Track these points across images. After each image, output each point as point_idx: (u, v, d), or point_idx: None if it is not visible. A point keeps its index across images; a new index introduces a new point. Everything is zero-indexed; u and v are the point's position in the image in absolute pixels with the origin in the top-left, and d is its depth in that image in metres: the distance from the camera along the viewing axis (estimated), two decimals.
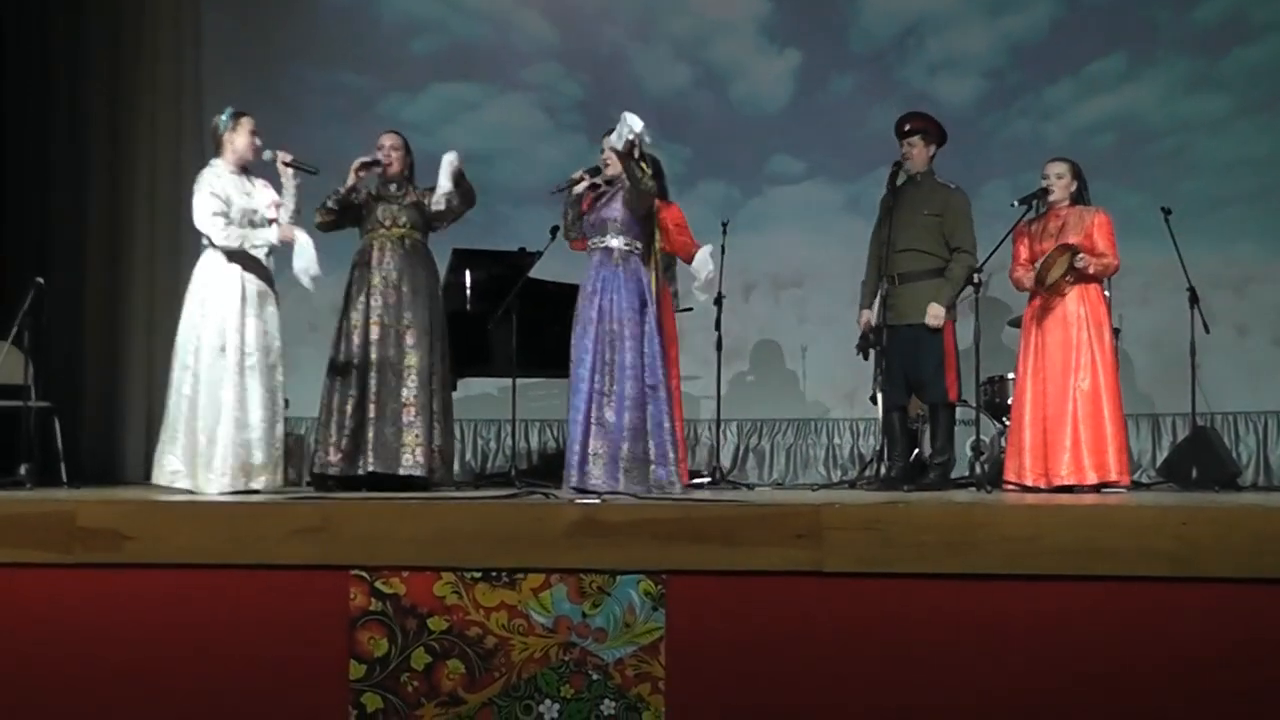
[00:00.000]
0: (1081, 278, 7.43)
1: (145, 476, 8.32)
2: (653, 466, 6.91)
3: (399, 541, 5.01)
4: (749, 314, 10.69)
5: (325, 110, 11.23)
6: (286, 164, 7.07)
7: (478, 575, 4.95)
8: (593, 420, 6.91)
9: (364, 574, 5.00)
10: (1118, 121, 10.76)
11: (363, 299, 7.50)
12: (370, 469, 7.34)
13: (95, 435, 10.46)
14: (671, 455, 6.97)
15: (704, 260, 7.67)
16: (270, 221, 7.04)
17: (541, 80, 11.65)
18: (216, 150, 7.15)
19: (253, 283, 6.97)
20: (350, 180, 7.50)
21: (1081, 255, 7.34)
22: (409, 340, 7.46)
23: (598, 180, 7.30)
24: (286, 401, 8.94)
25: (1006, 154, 10.65)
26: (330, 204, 7.52)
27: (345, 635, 4.99)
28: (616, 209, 7.17)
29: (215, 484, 6.75)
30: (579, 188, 7.29)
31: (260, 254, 7.05)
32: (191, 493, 6.73)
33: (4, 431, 9.00)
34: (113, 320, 10.61)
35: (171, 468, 6.85)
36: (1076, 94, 10.90)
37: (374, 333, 7.45)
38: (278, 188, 7.16)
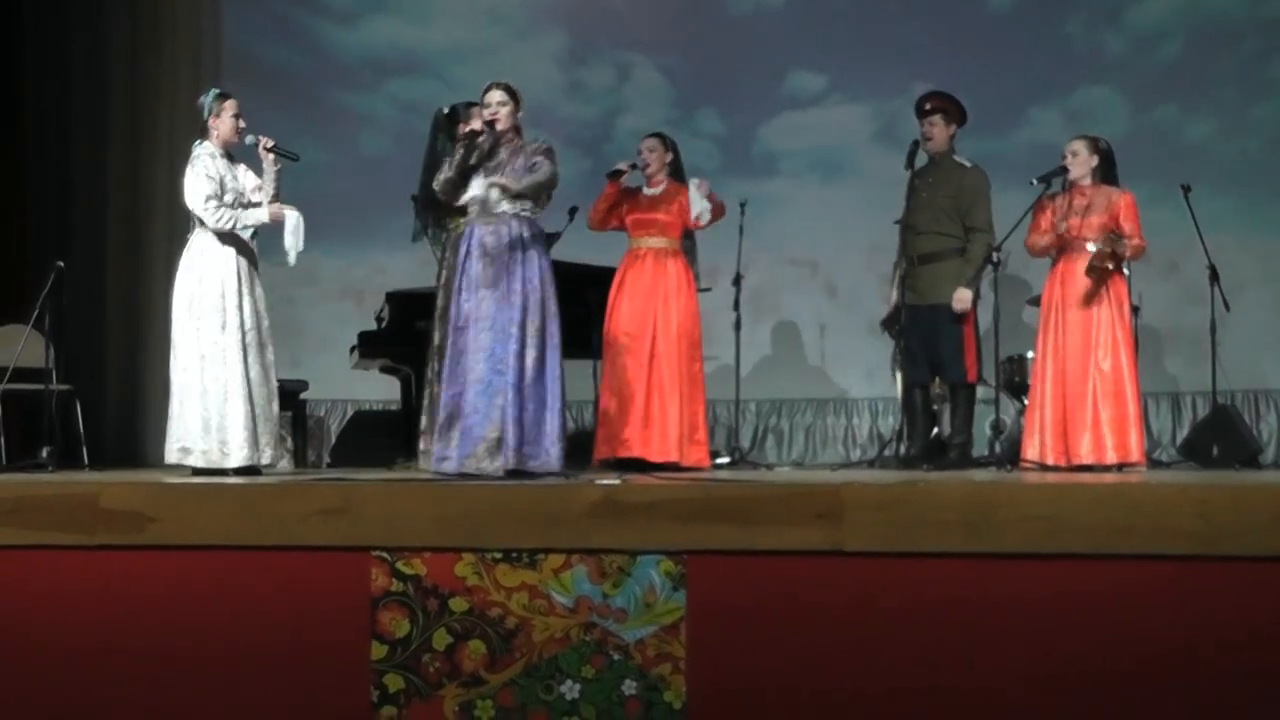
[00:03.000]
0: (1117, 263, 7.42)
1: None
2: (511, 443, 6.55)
3: (420, 522, 5.02)
4: (767, 293, 10.58)
5: None
6: (268, 149, 7.09)
7: (499, 556, 4.95)
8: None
9: (385, 555, 5.01)
10: (1189, 22, 9.85)
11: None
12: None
13: (116, 418, 10.52)
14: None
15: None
16: (254, 205, 7.09)
17: None
18: (203, 133, 7.16)
19: (245, 262, 7.04)
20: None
21: (1123, 241, 7.33)
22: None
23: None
24: (305, 383, 8.99)
25: (1053, 70, 10.07)
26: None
27: (366, 616, 5.00)
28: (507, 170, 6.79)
29: (233, 458, 6.85)
30: (480, 139, 6.86)
31: (246, 234, 7.09)
32: (203, 470, 6.82)
33: (26, 414, 9.06)
34: (133, 303, 10.64)
35: (180, 445, 6.92)
36: None
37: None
38: (258, 171, 7.21)
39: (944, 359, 7.93)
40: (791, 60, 10.44)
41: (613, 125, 10.46)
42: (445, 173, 6.85)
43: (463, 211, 7.17)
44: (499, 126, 6.80)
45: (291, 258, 7.04)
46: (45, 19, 10.64)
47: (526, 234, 6.76)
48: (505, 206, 6.73)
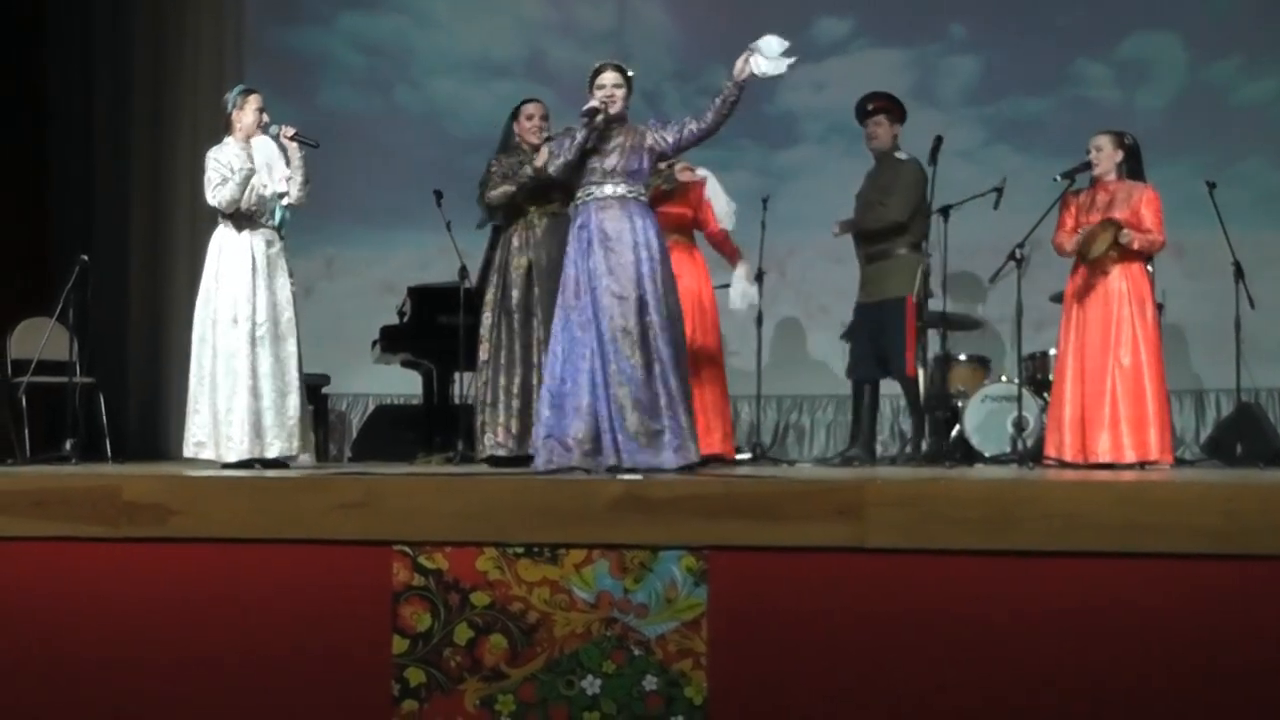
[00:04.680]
0: (1125, 253, 7.38)
1: None
2: (667, 437, 6.44)
3: (441, 516, 5.02)
4: (789, 286, 10.48)
5: None
6: (290, 138, 7.11)
7: (520, 550, 4.96)
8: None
9: (406, 549, 5.01)
10: None
11: (519, 278, 7.44)
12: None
13: (139, 411, 10.54)
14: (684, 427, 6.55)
15: (742, 290, 7.79)
16: (281, 196, 7.10)
17: None
18: (227, 129, 7.19)
19: (262, 254, 7.04)
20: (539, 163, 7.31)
21: (1125, 231, 7.30)
22: None
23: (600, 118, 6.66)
24: (327, 378, 8.98)
25: (1104, 11, 9.56)
26: (526, 184, 7.42)
27: (388, 610, 5.01)
28: (621, 153, 6.61)
29: (233, 452, 6.88)
30: (599, 119, 6.64)
31: (271, 226, 7.10)
32: (234, 464, 6.86)
33: (50, 407, 9.10)
34: (156, 297, 10.67)
35: (195, 440, 6.98)
36: None
37: (526, 313, 7.40)
38: (287, 162, 7.20)
39: (889, 354, 8.00)
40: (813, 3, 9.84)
41: None
42: (564, 157, 6.63)
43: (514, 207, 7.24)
44: (614, 110, 6.64)
45: (294, 192, 7.09)
46: (67, 12, 10.66)
47: (643, 219, 6.66)
48: (623, 189, 6.62)
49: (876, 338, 8.08)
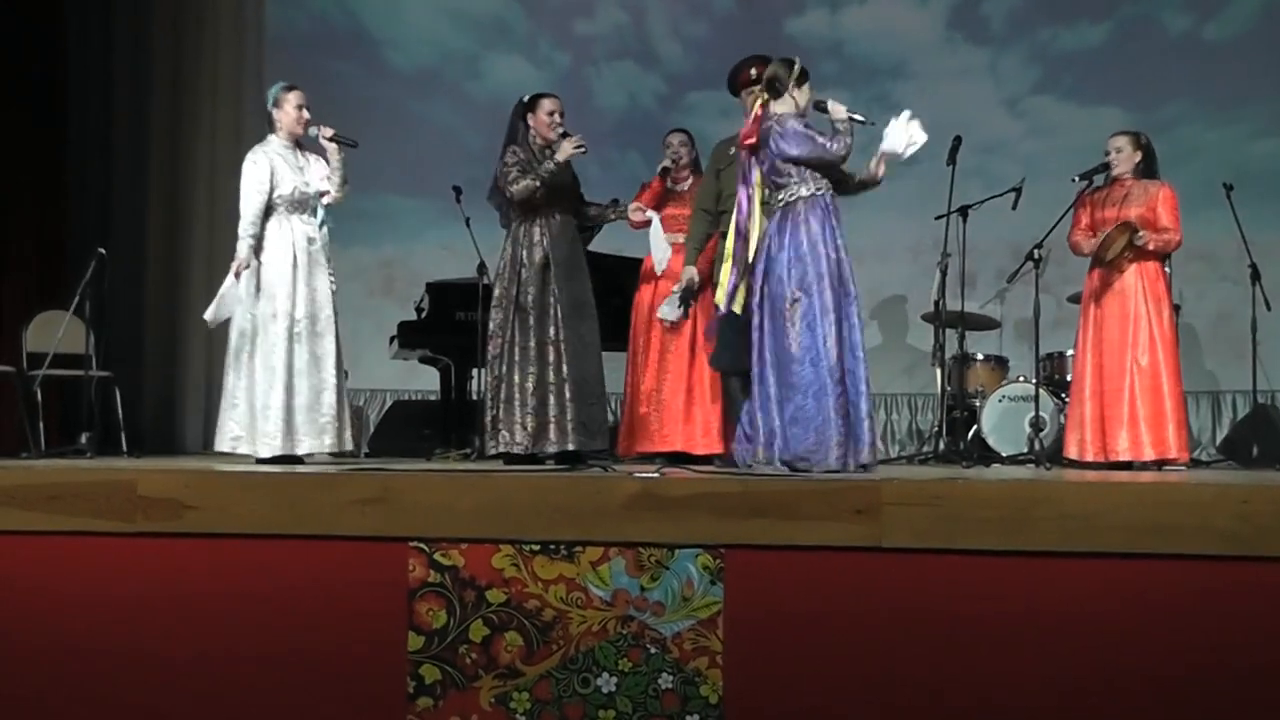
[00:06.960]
0: (1142, 252, 7.37)
1: (205, 446, 8.36)
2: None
3: (458, 513, 5.02)
4: None
5: None
6: (329, 139, 7.12)
7: (536, 548, 4.96)
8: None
9: (423, 545, 5.02)
10: None
11: (535, 274, 7.39)
12: (570, 447, 7.16)
13: (155, 405, 10.55)
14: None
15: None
16: (322, 194, 7.13)
17: None
18: (270, 126, 7.24)
19: (303, 250, 7.08)
20: (563, 158, 7.25)
21: (1141, 233, 7.28)
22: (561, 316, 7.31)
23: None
24: (346, 373, 8.98)
25: None
26: (545, 179, 7.34)
27: (404, 607, 5.01)
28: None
29: (266, 447, 6.92)
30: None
31: (313, 224, 7.12)
32: (250, 458, 6.92)
33: (66, 401, 9.12)
34: (173, 290, 10.69)
35: (232, 434, 7.02)
36: None
37: (542, 310, 7.34)
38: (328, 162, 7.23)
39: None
40: None
41: (595, 7, 9.38)
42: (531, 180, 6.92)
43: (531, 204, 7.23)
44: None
45: (333, 192, 7.14)
46: (87, 8, 10.68)
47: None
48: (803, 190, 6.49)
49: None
